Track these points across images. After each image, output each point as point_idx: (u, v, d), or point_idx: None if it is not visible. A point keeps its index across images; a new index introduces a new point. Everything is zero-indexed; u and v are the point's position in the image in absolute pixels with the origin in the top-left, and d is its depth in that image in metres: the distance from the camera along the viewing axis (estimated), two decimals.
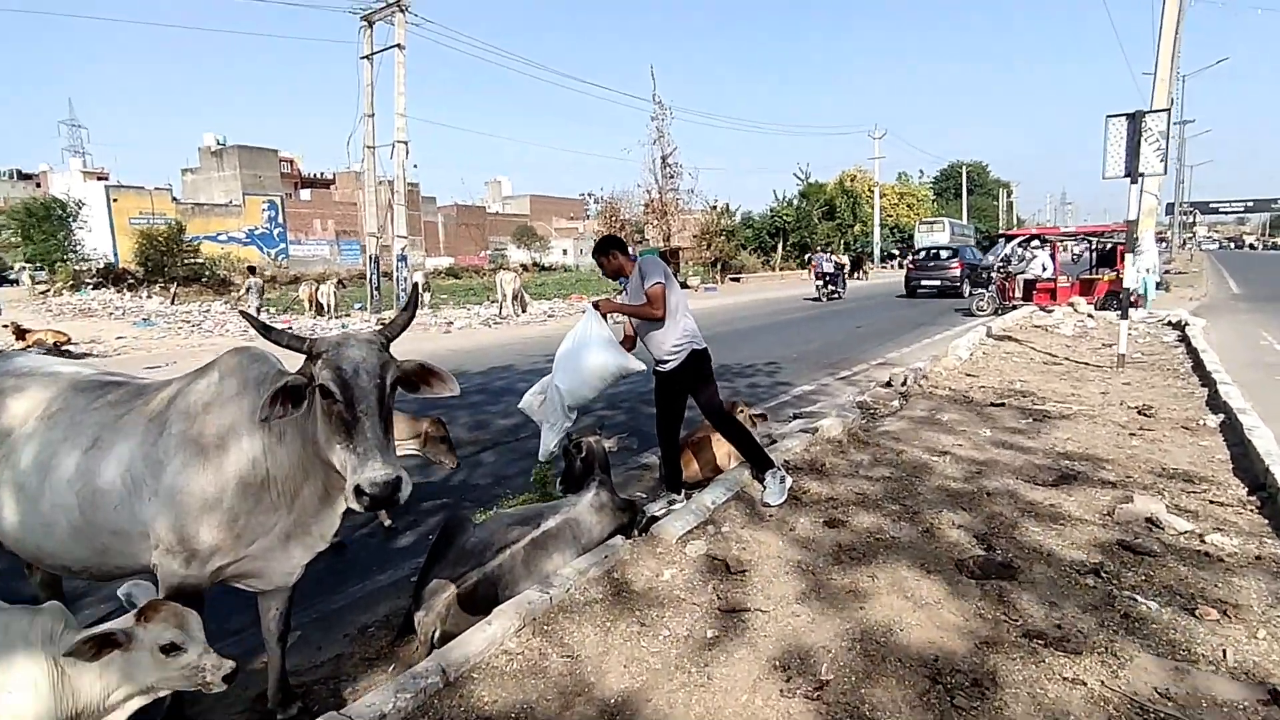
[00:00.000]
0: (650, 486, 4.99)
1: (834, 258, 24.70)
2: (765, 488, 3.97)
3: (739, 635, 2.68)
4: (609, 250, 4.06)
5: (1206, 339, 9.37)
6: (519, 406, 4.47)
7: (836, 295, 22.10)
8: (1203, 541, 3.31)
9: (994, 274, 16.31)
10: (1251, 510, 3.71)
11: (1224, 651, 2.47)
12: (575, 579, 2.96)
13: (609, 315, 3.97)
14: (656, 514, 4.21)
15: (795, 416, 6.70)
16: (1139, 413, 5.86)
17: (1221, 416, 5.42)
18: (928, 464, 4.66)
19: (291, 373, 2.06)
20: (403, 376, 2.11)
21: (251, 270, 18.80)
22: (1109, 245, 15.96)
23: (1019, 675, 2.37)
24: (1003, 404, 6.35)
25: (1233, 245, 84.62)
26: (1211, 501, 3.85)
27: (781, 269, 39.59)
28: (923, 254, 24.02)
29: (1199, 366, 7.64)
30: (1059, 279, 15.34)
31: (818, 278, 22.57)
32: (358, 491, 1.84)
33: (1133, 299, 13.67)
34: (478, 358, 11.50)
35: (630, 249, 4.21)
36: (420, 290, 2.35)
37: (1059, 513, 3.75)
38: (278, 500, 2.21)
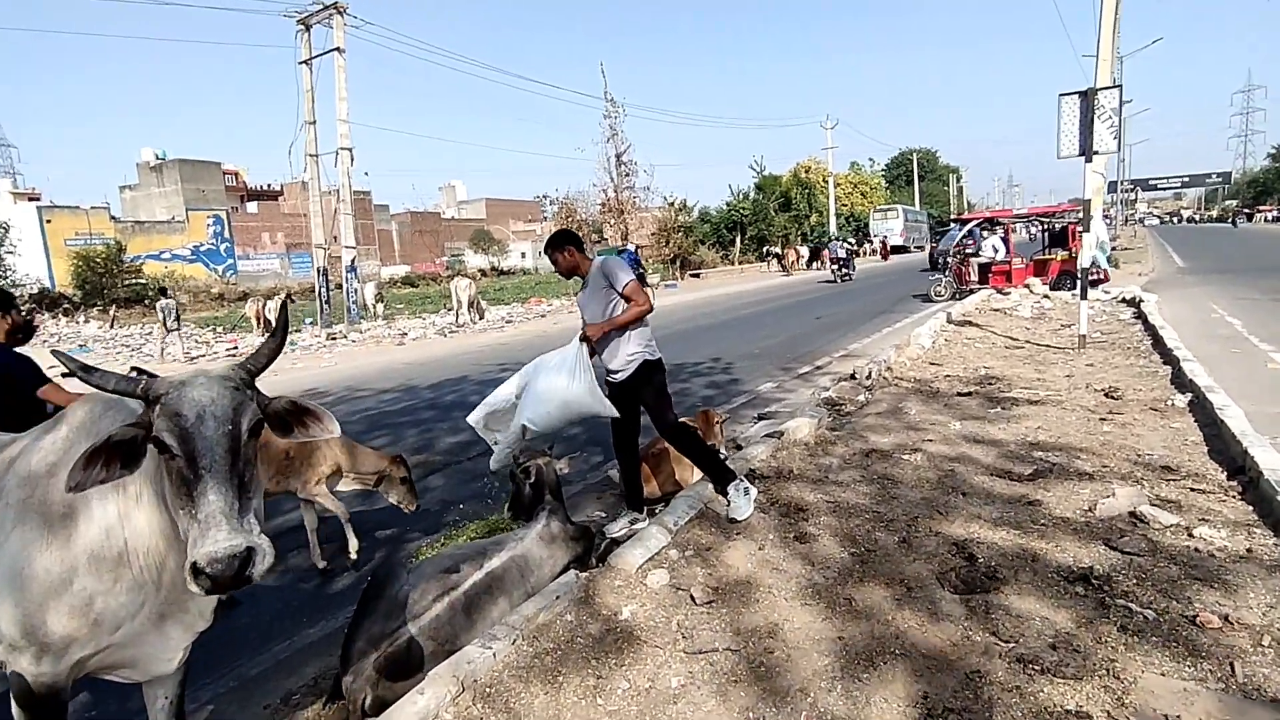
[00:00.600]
0: (612, 504, 4.68)
1: (845, 245, 27.55)
2: (729, 502, 3.70)
3: (708, 683, 2.39)
4: (563, 245, 3.78)
5: (1161, 315, 9.42)
6: (468, 420, 4.14)
7: (848, 277, 24.40)
8: (1191, 536, 3.13)
9: (950, 259, 16.38)
10: (1234, 496, 3.56)
11: (1232, 665, 2.26)
12: (523, 627, 2.64)
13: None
14: (617, 536, 3.91)
15: (760, 418, 6.47)
16: (1106, 395, 5.75)
17: (1189, 396, 5.33)
18: (899, 464, 4.44)
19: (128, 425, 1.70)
20: (270, 417, 1.76)
21: (163, 292, 17.59)
22: (1060, 225, 16.14)
23: (1018, 711, 2.13)
24: (970, 393, 6.20)
25: (1172, 220, 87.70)
26: (1193, 489, 3.69)
27: (740, 263, 39.60)
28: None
29: (1159, 344, 7.62)
30: (1013, 261, 15.45)
31: (833, 263, 25.01)
32: (194, 570, 1.47)
33: (1100, 275, 13.88)
34: (430, 370, 11.07)
35: (588, 248, 3.92)
36: (289, 315, 2.05)
37: (1039, 512, 3.55)
38: (142, 575, 1.83)
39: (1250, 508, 3.41)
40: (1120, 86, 7.33)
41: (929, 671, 2.35)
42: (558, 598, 2.83)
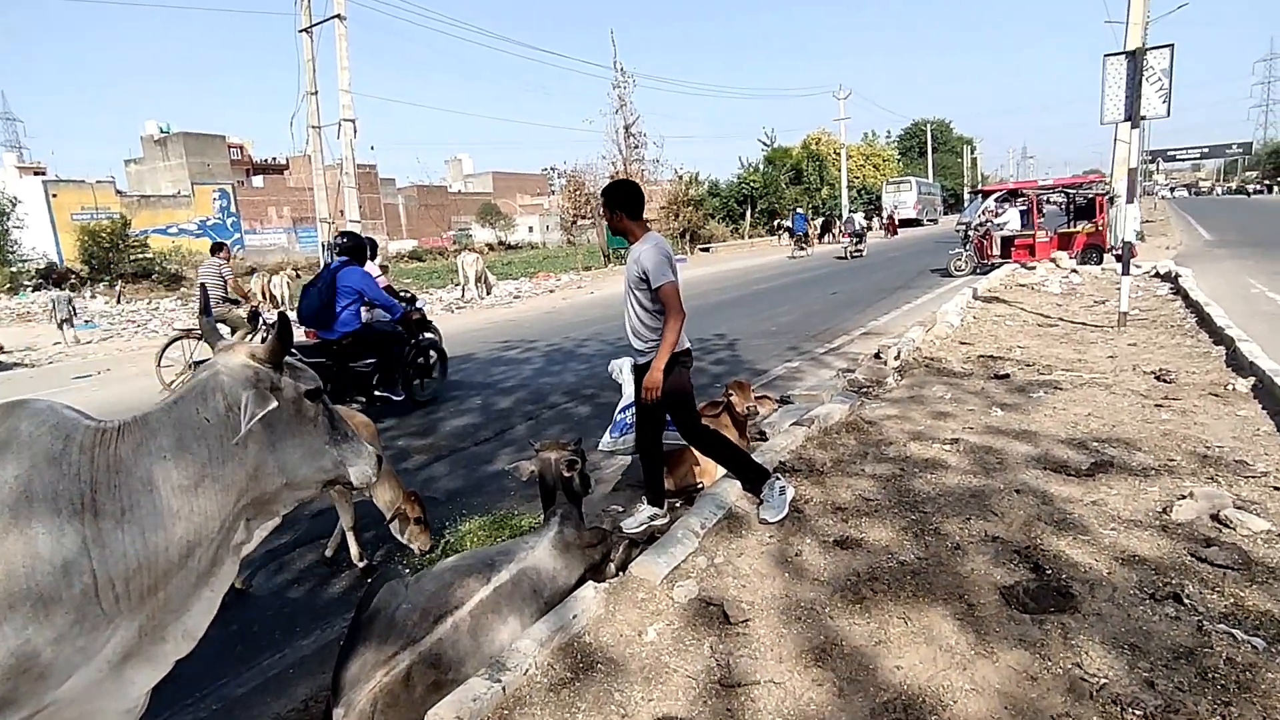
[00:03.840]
0: (629, 497, 4.36)
1: (861, 219, 27.13)
2: (762, 501, 3.37)
3: None
4: (614, 206, 3.39)
5: (1201, 291, 8.95)
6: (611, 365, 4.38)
7: (860, 253, 23.80)
8: None
9: (971, 232, 15.84)
10: None
11: None
12: (535, 654, 2.32)
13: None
14: (634, 534, 3.60)
15: (781, 401, 6.11)
16: (1157, 378, 5.36)
17: (1252, 379, 4.93)
18: (939, 456, 4.09)
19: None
20: None
21: (58, 282, 16.78)
22: (1086, 198, 15.54)
23: None
24: (1007, 375, 5.82)
25: (1191, 192, 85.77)
26: (1275, 488, 3.33)
27: (750, 236, 38.94)
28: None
29: (1205, 322, 7.20)
30: (1038, 234, 14.91)
31: (846, 236, 24.49)
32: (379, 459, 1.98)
33: (1132, 251, 13.34)
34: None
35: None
36: (290, 329, 1.87)
37: (1105, 513, 3.20)
38: (116, 608, 1.54)
39: None
40: (1172, 46, 6.79)
41: (1007, 715, 2.02)
42: (574, 617, 2.51)
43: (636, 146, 30.96)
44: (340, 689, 2.30)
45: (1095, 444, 4.10)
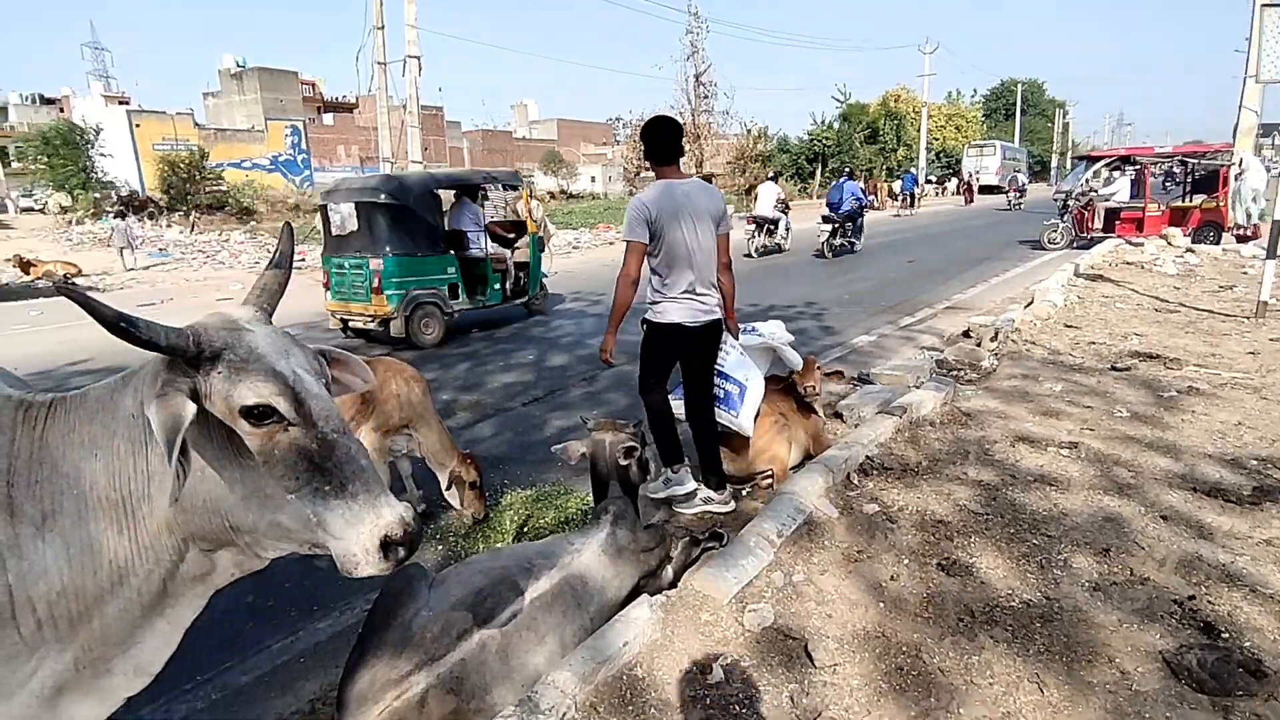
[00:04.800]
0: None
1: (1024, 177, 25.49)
2: (667, 479, 3.38)
3: None
4: (646, 154, 3.21)
5: None
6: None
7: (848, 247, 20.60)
8: None
9: (1071, 201, 14.50)
10: None
11: None
12: (574, 692, 1.90)
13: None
14: (657, 498, 3.28)
15: (860, 381, 5.50)
16: None
17: None
18: (1056, 465, 3.48)
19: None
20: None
21: (122, 212, 17.94)
22: (1209, 169, 13.97)
23: None
24: (1127, 369, 5.07)
25: None
26: None
27: (819, 196, 37.34)
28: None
29: None
30: (1148, 207, 13.51)
31: (891, 196, 22.52)
32: (386, 545, 1.21)
33: (1250, 230, 11.96)
34: None
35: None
36: (293, 241, 1.54)
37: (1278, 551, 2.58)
38: (39, 635, 1.19)
39: None
40: None
41: None
42: (624, 644, 2.07)
43: (706, 96, 29.74)
44: (346, 705, 1.93)
45: (1254, 462, 3.41)
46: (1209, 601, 2.33)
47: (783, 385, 3.95)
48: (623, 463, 2.60)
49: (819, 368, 4.00)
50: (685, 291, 3.10)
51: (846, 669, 2.08)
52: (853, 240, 14.54)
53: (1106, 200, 14.12)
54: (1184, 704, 1.90)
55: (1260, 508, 2.97)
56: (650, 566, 2.51)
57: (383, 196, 7.11)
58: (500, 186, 9.36)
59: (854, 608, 2.37)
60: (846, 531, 2.86)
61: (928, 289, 10.10)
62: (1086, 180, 14.31)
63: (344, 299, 7.51)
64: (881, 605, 2.38)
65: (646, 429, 2.98)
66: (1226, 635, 2.15)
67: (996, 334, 5.93)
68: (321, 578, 3.09)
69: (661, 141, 3.08)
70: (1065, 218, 14.37)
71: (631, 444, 2.63)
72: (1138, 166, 14.15)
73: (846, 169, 25.42)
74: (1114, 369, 5.06)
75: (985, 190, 38.69)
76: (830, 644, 2.18)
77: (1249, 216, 11.94)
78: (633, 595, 2.39)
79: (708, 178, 29.44)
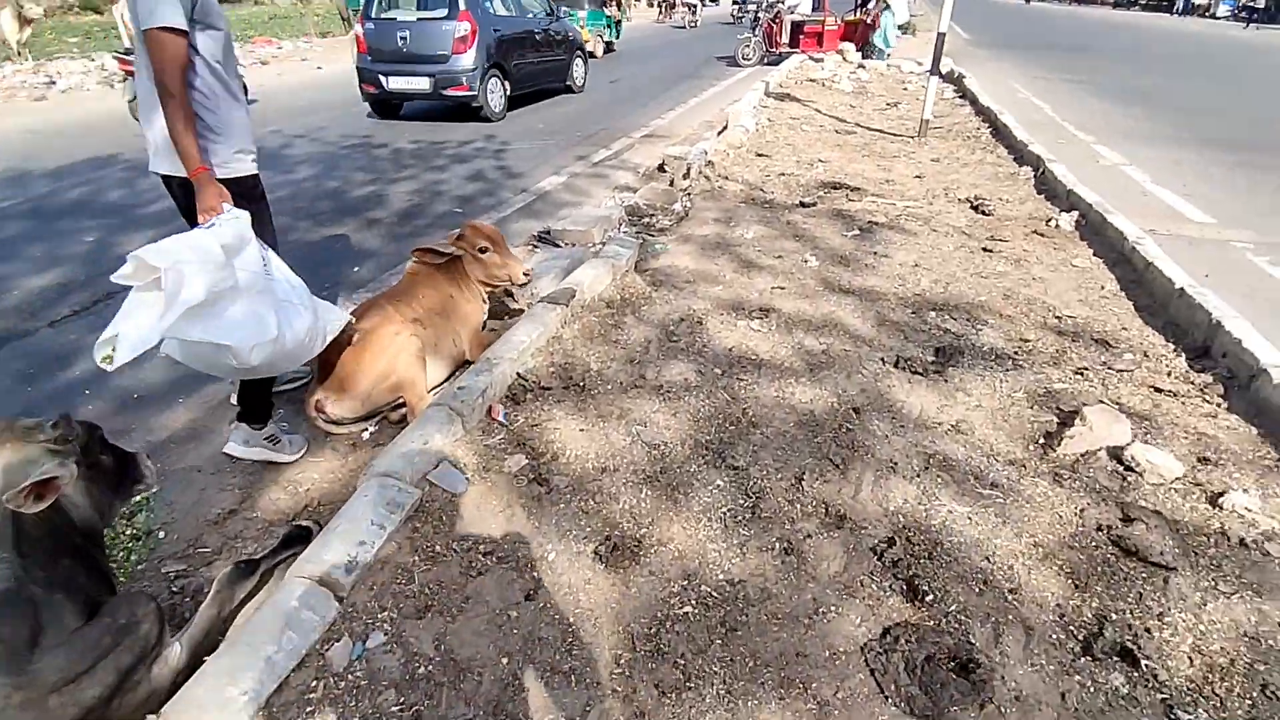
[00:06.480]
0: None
1: None
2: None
3: None
4: None
5: (991, 97, 8.48)
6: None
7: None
8: (1218, 508, 1.97)
9: (760, 15, 14.28)
10: (1218, 404, 2.49)
11: None
12: None
13: None
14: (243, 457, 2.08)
15: (542, 238, 4.52)
16: (974, 209, 4.59)
17: (1075, 215, 4.29)
18: (748, 344, 2.90)
19: None
20: None
21: None
22: None
23: None
24: (814, 203, 4.72)
25: None
26: (1157, 390, 2.58)
27: None
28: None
29: (1000, 134, 6.65)
30: (827, 20, 13.77)
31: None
32: None
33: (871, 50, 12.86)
34: (70, 143, 7.27)
35: None
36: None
37: (976, 447, 2.23)
38: None
39: (1257, 433, 2.33)
40: None
41: None
42: None
43: None
44: None
45: (933, 314, 3.15)
46: (909, 542, 1.86)
47: (440, 258, 2.82)
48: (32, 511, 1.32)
49: (491, 235, 2.92)
50: None
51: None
52: None
53: (791, 12, 14.11)
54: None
55: (944, 375, 2.65)
56: (102, 690, 1.36)
57: None
58: None
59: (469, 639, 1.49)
60: (479, 511, 1.96)
61: (628, 115, 9.21)
62: None
63: None
64: (501, 629, 1.53)
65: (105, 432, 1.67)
66: (931, 598, 1.68)
67: (689, 169, 5.25)
68: None
69: None
70: (756, 31, 14.19)
71: (53, 473, 1.34)
72: None
73: None
74: (802, 204, 4.69)
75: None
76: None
77: (886, 43, 12.84)
78: None
79: None
